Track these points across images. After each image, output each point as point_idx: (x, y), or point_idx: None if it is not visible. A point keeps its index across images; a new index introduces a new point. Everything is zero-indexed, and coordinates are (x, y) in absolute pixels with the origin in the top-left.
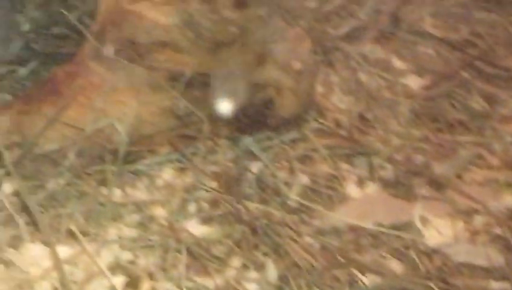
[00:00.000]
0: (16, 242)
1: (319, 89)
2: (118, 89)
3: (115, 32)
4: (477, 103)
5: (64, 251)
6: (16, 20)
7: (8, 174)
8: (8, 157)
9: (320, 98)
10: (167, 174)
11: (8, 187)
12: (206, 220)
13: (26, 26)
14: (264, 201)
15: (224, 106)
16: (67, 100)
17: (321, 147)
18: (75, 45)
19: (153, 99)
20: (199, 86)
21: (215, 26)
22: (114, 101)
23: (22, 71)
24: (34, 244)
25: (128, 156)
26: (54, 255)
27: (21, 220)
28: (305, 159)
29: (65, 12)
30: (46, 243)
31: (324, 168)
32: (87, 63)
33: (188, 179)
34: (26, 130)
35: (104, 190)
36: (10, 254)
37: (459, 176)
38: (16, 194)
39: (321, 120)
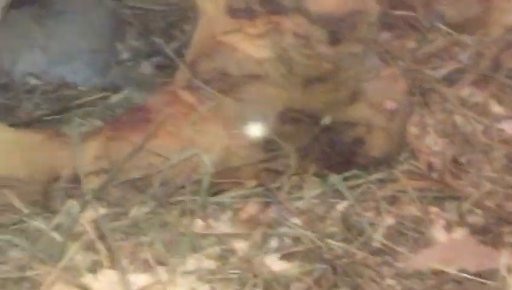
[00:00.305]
0: (95, 267)
1: (413, 130)
2: (207, 120)
3: (207, 63)
4: None
5: (141, 279)
6: (116, 49)
7: (92, 199)
8: (94, 182)
9: (413, 139)
10: (251, 207)
11: (91, 212)
12: (287, 256)
13: (125, 55)
14: (347, 240)
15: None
16: (156, 128)
17: (410, 189)
18: (170, 75)
19: (242, 132)
20: (289, 120)
21: (308, 62)
22: (202, 132)
23: (115, 98)
24: (113, 270)
25: (213, 188)
26: (125, 283)
27: (102, 246)
28: (392, 200)
29: (160, 41)
30: (122, 271)
31: (412, 210)
32: (179, 92)
33: (272, 213)
34: (113, 156)
35: (186, 220)
36: (88, 279)
37: None
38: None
39: (412, 161)
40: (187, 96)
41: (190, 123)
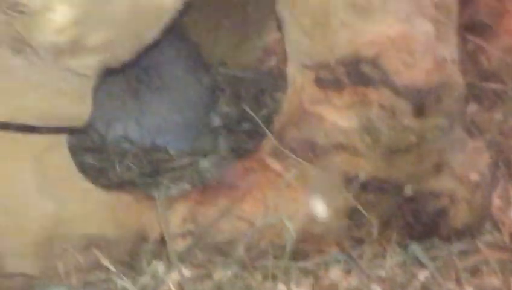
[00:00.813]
0: None
1: (496, 202)
2: (292, 187)
3: (294, 131)
4: None
5: None
6: (207, 116)
7: (177, 261)
8: (181, 245)
9: (496, 212)
10: (333, 274)
11: (176, 274)
12: None
13: (216, 121)
14: None
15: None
16: (242, 194)
17: (492, 260)
18: (259, 142)
19: (326, 200)
20: (373, 189)
21: (393, 133)
22: (287, 198)
23: (204, 163)
24: None
25: (296, 253)
26: None
27: None
28: (474, 270)
29: (248, 110)
30: None
31: (493, 281)
32: (265, 159)
33: (354, 281)
34: (200, 219)
35: (269, 285)
36: None
37: None
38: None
39: (495, 233)
40: (273, 164)
41: (276, 190)
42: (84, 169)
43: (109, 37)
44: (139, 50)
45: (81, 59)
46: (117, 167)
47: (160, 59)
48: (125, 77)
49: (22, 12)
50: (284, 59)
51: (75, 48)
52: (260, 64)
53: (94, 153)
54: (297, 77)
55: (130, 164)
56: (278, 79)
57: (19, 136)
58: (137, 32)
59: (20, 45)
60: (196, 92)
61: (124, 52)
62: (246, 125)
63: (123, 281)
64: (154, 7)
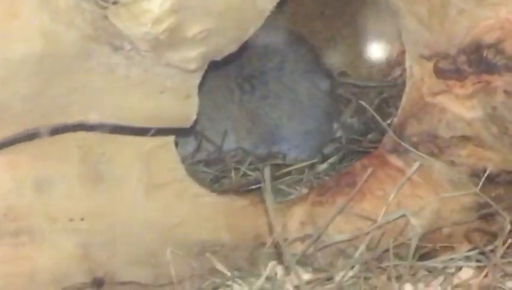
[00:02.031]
0: None
1: None
2: (415, 183)
3: (415, 125)
4: None
5: None
6: (330, 128)
7: (296, 265)
8: (299, 248)
9: None
10: (465, 273)
11: (295, 278)
12: None
13: (339, 133)
14: None
15: None
16: (362, 192)
17: None
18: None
19: (453, 196)
20: (503, 183)
21: None
22: (410, 195)
23: (322, 166)
24: None
25: (422, 252)
26: None
27: None
28: None
29: (364, 104)
30: None
31: None
32: (385, 156)
33: (486, 279)
34: (318, 221)
35: (395, 285)
36: None
37: None
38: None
39: None
40: (394, 160)
41: (397, 187)
42: (197, 177)
43: (208, 27)
44: (242, 41)
45: (182, 51)
46: (233, 174)
47: (268, 66)
48: (229, 87)
49: (115, 3)
50: None
51: (173, 39)
52: (383, 76)
53: (212, 165)
54: (416, 69)
55: (246, 171)
56: (403, 86)
57: (126, 138)
58: (238, 22)
59: (119, 41)
60: (314, 101)
61: (225, 44)
62: (370, 136)
63: (239, 286)
64: None
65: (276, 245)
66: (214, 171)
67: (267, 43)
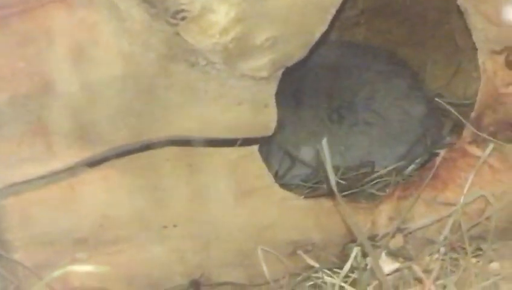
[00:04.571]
0: None
1: None
2: (496, 169)
3: (491, 116)
4: None
5: None
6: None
7: (387, 256)
8: (390, 242)
9: None
10: None
11: (387, 267)
12: None
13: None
14: None
15: None
16: (444, 182)
17: None
18: None
19: None
20: None
21: None
22: (491, 181)
23: (409, 169)
24: None
25: (507, 233)
26: None
27: None
28: None
29: (439, 100)
30: None
31: None
32: (465, 148)
33: None
34: (406, 215)
35: (480, 264)
36: None
37: None
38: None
39: None
40: (474, 150)
41: (478, 175)
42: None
43: (274, 34)
44: (310, 46)
45: (252, 60)
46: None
47: (359, 96)
48: (319, 116)
49: (184, 18)
50: None
51: (242, 48)
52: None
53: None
54: (488, 64)
55: (339, 180)
56: None
57: (210, 149)
58: (302, 27)
59: (193, 57)
60: (405, 126)
61: (293, 50)
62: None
63: (333, 279)
64: (315, 1)
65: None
66: (308, 184)
67: (360, 72)
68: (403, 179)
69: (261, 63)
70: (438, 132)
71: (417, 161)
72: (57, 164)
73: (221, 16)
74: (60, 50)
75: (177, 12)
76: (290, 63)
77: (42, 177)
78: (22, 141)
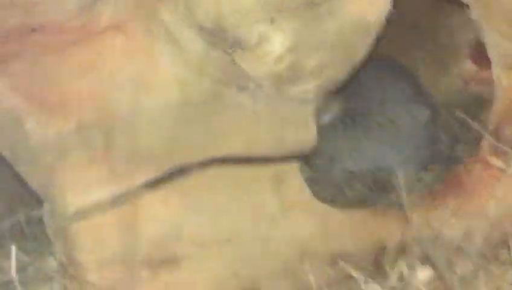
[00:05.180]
0: None
1: None
2: None
3: (510, 127)
4: None
5: None
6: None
7: (419, 263)
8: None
9: None
10: None
11: (422, 274)
12: None
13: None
14: None
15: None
16: (468, 192)
17: None
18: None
19: None
20: None
21: None
22: None
23: (427, 177)
24: None
25: None
26: None
27: None
28: None
29: (461, 115)
30: None
31: None
32: (486, 159)
33: None
34: (433, 223)
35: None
36: None
37: None
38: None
39: None
40: (494, 161)
41: (502, 184)
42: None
43: (323, 60)
44: (353, 69)
45: (300, 85)
46: (347, 192)
47: (370, 102)
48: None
49: (242, 48)
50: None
51: (294, 74)
52: (462, 91)
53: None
54: (503, 78)
55: (357, 187)
56: (483, 101)
57: (258, 167)
58: (348, 52)
59: (245, 82)
60: (413, 130)
61: (337, 74)
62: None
63: (373, 286)
64: (360, 26)
65: (399, 249)
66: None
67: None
68: (426, 188)
69: (308, 88)
70: (447, 137)
71: (435, 169)
72: (121, 188)
73: (277, 45)
74: (121, 78)
75: (236, 43)
76: (333, 87)
77: (109, 201)
78: (89, 167)
